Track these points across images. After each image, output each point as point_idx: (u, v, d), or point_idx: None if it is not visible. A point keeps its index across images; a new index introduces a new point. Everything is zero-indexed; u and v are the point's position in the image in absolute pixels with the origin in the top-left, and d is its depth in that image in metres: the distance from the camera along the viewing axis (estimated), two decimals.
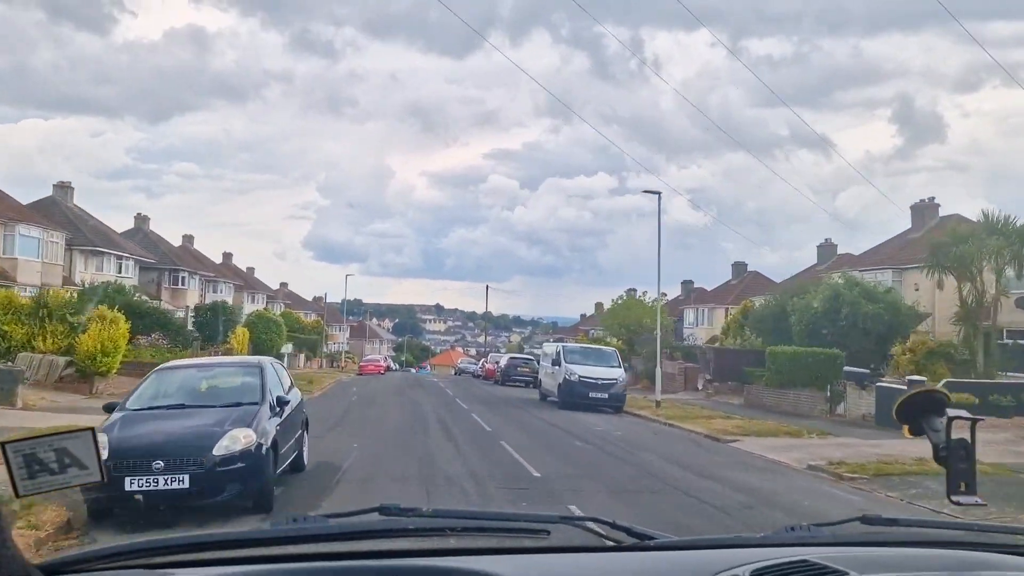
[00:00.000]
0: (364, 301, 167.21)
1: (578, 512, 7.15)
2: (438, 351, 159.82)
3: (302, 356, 58.85)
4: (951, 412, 1.96)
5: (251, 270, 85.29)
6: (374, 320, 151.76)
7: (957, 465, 1.93)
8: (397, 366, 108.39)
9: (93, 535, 7.81)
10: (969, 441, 1.96)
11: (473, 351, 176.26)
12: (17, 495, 1.61)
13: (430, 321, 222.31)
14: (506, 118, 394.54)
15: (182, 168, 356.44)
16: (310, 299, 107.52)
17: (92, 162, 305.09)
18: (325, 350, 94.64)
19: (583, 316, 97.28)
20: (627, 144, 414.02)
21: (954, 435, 1.95)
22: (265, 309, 54.95)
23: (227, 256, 77.88)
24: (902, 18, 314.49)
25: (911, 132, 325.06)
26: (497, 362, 48.57)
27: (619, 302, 51.33)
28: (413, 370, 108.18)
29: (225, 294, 64.20)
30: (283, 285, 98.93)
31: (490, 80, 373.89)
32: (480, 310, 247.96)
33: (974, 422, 1.97)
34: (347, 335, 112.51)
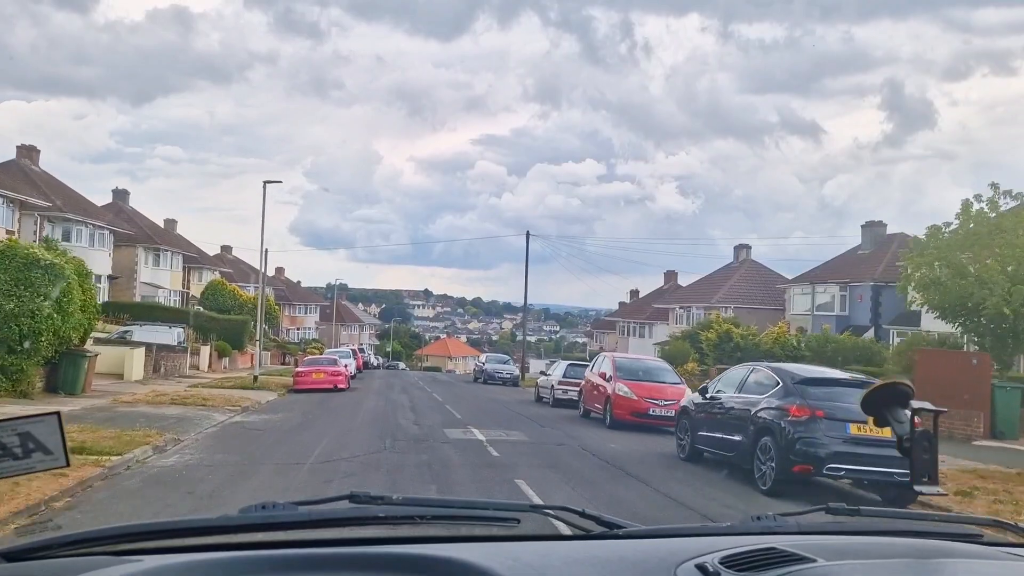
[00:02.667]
0: (350, 286, 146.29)
1: None
2: (427, 338, 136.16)
3: (206, 349, 32.83)
4: (915, 404, 1.94)
5: (171, 223, 59.21)
6: (360, 306, 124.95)
7: (920, 456, 1.91)
8: (380, 359, 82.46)
9: (57, 522, 7.23)
10: (932, 433, 1.94)
11: (463, 338, 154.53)
12: None
13: (418, 307, 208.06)
14: (494, 103, 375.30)
15: (166, 151, 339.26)
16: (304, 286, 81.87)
17: (75, 145, 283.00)
18: (282, 338, 68.53)
19: (633, 293, 71.33)
20: (616, 130, 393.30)
21: (918, 427, 1.94)
22: (48, 244, 27.55)
23: (120, 194, 51.68)
24: (892, 3, 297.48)
25: (900, 119, 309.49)
26: (690, 400, 14.35)
27: (986, 208, 22.20)
28: (401, 366, 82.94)
29: (90, 244, 38.22)
30: (225, 249, 72.66)
31: (477, 64, 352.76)
32: (471, 296, 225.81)
33: (937, 414, 1.96)
34: (316, 317, 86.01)
